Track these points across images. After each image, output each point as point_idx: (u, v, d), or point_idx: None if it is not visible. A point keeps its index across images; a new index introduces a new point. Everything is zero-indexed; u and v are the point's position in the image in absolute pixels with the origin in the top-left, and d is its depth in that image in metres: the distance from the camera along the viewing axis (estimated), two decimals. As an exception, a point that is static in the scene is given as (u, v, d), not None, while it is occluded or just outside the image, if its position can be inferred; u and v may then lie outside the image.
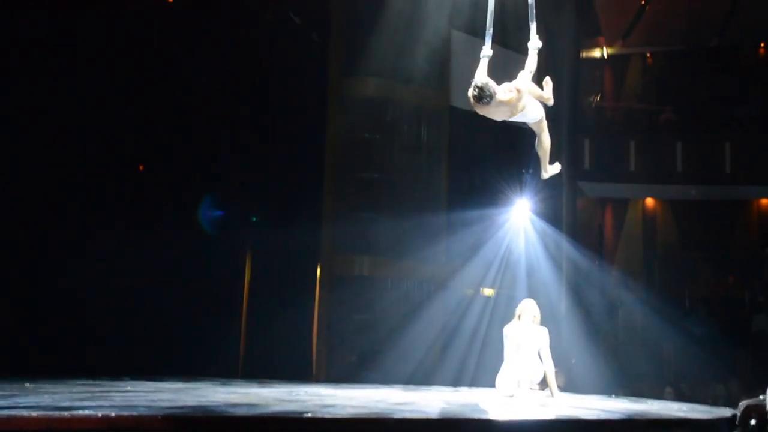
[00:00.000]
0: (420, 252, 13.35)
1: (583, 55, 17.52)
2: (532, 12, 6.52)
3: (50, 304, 10.92)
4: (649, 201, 18.80)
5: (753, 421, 4.73)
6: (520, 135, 15.18)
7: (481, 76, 6.10)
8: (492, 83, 6.02)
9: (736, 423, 2.45)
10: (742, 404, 4.63)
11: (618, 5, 17.33)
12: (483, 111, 6.27)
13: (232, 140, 13.35)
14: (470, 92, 6.08)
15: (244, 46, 13.35)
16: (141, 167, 13.08)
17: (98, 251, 11.25)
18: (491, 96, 6.01)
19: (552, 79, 6.90)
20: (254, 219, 13.66)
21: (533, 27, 6.51)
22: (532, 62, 6.44)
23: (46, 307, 10.93)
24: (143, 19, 12.40)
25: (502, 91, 6.13)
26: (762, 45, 19.16)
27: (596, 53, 18.88)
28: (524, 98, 6.30)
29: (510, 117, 6.43)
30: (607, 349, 14.49)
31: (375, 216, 13.38)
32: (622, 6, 17.35)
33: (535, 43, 6.49)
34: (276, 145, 13.26)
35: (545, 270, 14.52)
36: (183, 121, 12.75)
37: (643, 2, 17.17)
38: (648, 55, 19.30)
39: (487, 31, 6.48)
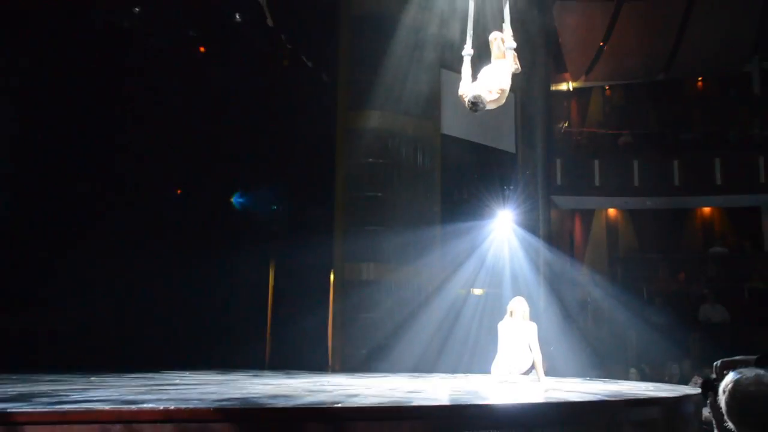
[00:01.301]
0: (418, 259, 13.28)
1: (553, 88, 17.57)
2: (507, 18, 6.40)
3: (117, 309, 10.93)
4: (612, 211, 18.80)
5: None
6: (501, 157, 15.30)
7: (474, 89, 6.05)
8: (483, 94, 6.00)
9: (713, 379, 2.40)
10: (717, 363, 4.57)
11: (581, 46, 17.43)
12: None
13: (255, 167, 13.36)
14: (466, 103, 6.09)
15: (264, 87, 13.34)
16: (179, 191, 13.10)
17: (145, 264, 11.24)
18: (483, 105, 6.02)
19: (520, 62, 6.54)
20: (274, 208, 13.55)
21: (509, 30, 6.36)
22: (509, 61, 6.30)
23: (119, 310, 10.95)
24: (179, 63, 12.42)
25: (489, 93, 6.08)
26: (700, 79, 19.26)
27: (564, 87, 18.92)
28: (507, 93, 6.24)
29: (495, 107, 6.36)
30: (580, 337, 14.45)
31: (379, 229, 13.22)
32: (584, 47, 17.45)
33: (510, 44, 6.33)
34: (293, 171, 13.25)
35: (526, 271, 14.50)
36: (211, 154, 12.75)
37: (601, 44, 17.25)
38: (607, 87, 19.37)
39: (468, 33, 6.46)
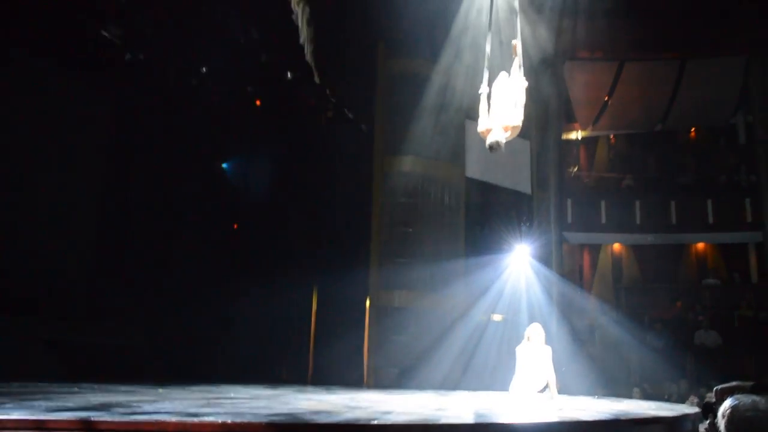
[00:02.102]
0: (445, 288, 13.23)
1: (564, 137, 17.51)
2: (520, 59, 6.27)
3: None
4: (617, 246, 18.46)
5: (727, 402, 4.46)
6: (519, 198, 15.21)
7: (494, 134, 5.95)
8: (500, 138, 5.92)
9: (713, 403, 2.31)
10: (717, 388, 4.35)
11: (588, 100, 17.36)
12: None
13: (301, 207, 13.43)
14: (486, 145, 6.05)
15: (311, 135, 13.46)
16: (235, 226, 13.18)
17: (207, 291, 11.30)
18: (501, 148, 5.98)
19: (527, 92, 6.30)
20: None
21: (521, 70, 6.24)
22: (520, 97, 6.10)
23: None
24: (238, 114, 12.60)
25: (506, 135, 5.99)
26: (693, 130, 19.06)
27: (574, 136, 18.83)
28: (520, 127, 6.09)
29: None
30: (589, 359, 14.09)
31: (410, 261, 13.23)
32: (592, 101, 17.36)
33: (522, 83, 6.17)
34: (335, 209, 13.29)
35: (541, 300, 14.28)
36: (265, 192, 12.85)
37: (606, 98, 17.17)
38: (611, 136, 19.21)
39: (484, 74, 6.32)
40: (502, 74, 6.34)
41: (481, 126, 6.12)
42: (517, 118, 6.03)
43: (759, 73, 15.76)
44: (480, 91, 6.23)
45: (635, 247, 18.21)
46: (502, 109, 6.07)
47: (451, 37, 12.76)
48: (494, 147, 5.95)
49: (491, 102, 6.13)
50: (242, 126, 12.54)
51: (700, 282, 17.44)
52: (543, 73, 14.31)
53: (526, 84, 6.17)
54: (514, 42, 6.45)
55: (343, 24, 11.91)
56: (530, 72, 6.55)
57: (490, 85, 6.24)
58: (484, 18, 11.71)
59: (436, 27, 12.86)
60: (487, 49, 6.51)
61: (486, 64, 6.33)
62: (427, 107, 13.33)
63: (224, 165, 12.23)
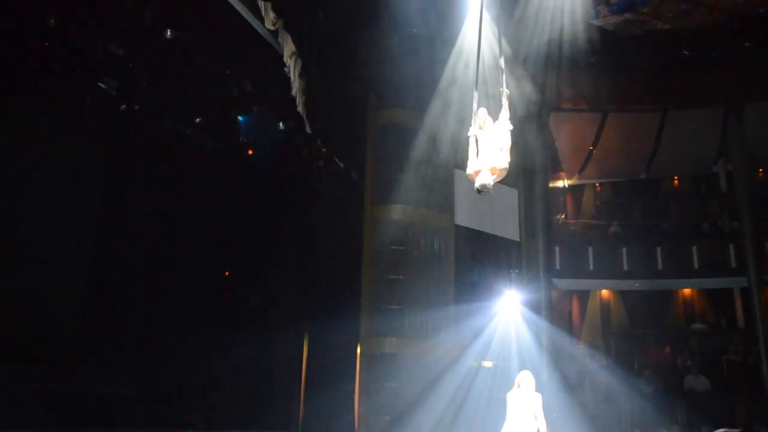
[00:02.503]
0: (435, 335, 13.18)
1: (551, 185, 17.69)
2: (506, 102, 6.38)
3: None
4: (605, 292, 18.50)
5: None
6: (508, 245, 15.30)
7: (482, 178, 6.04)
8: (489, 182, 6.03)
9: None
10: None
11: (574, 150, 17.65)
12: None
13: (292, 254, 13.45)
14: (475, 188, 6.13)
15: (302, 184, 13.59)
16: (227, 273, 13.18)
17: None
18: (490, 192, 6.09)
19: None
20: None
21: (506, 114, 6.31)
22: (506, 141, 6.19)
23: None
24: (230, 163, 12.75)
25: (494, 177, 6.10)
26: (675, 178, 19.37)
27: (560, 184, 19.05)
28: (507, 169, 6.20)
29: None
30: (580, 406, 13.97)
31: (401, 308, 13.18)
32: (577, 150, 17.65)
33: (506, 126, 6.25)
34: (325, 257, 13.30)
35: (530, 346, 14.21)
36: (255, 239, 12.91)
37: (591, 148, 17.47)
38: (597, 185, 19.45)
39: (473, 116, 6.44)
40: (482, 110, 6.48)
41: (470, 168, 6.23)
42: (503, 160, 6.14)
43: (736, 123, 16.13)
44: (469, 134, 6.35)
45: (623, 293, 18.27)
46: (489, 152, 6.18)
47: (440, 89, 13.00)
48: (482, 190, 6.06)
49: (479, 145, 6.26)
50: (235, 174, 12.65)
51: (688, 327, 17.46)
52: (529, 125, 14.61)
53: (511, 127, 6.26)
54: (503, 89, 6.61)
55: (334, 76, 12.17)
56: (517, 124, 6.68)
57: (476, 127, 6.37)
58: (471, 71, 12.20)
59: (425, 79, 13.09)
60: (475, 95, 6.68)
61: (475, 107, 6.50)
62: (416, 157, 13.51)
63: (216, 209, 12.26)
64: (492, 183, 6.07)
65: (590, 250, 16.98)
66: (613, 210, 18.78)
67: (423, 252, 13.67)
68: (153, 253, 11.49)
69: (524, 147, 14.07)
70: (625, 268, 16.97)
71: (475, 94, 6.71)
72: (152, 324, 11.40)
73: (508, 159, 6.19)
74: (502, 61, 6.89)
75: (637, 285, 17.31)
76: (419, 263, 13.58)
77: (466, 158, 6.52)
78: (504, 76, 6.81)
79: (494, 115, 6.49)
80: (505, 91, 6.56)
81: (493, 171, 6.07)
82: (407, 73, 12.85)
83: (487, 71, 9.43)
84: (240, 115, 12.29)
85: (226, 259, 13.00)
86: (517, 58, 12.88)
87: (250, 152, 13.41)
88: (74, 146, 11.19)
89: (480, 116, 6.49)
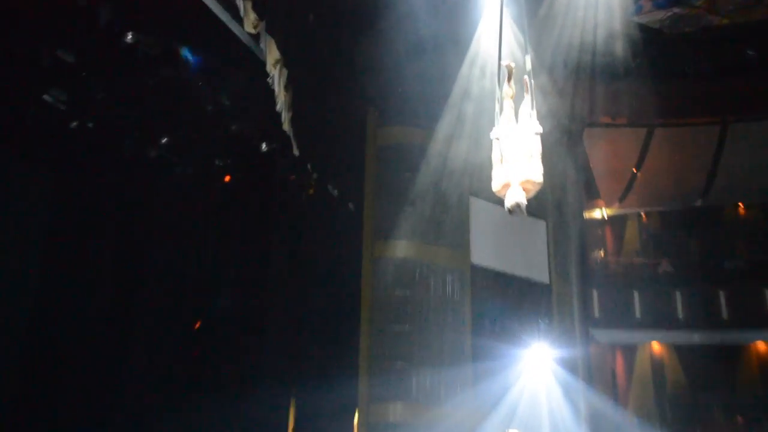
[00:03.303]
0: (449, 399, 13.20)
1: (586, 216, 17.82)
2: (533, 100, 6.42)
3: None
4: (656, 346, 18.54)
5: None
6: (535, 288, 15.43)
7: (514, 196, 6.02)
8: (522, 200, 6.00)
9: None
10: None
11: (613, 172, 17.86)
12: None
13: (276, 301, 13.69)
14: (506, 208, 6.09)
15: (289, 216, 13.91)
16: (198, 324, 13.42)
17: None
18: (523, 210, 6.05)
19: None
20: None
21: (534, 114, 6.36)
22: (537, 147, 6.23)
23: None
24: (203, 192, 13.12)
25: (527, 193, 6.11)
26: (741, 205, 19.46)
27: (597, 214, 19.19)
28: (541, 183, 6.19)
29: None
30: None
31: (407, 366, 13.22)
32: (617, 173, 17.83)
33: (536, 128, 6.26)
34: (316, 305, 13.49)
35: (565, 413, 14.28)
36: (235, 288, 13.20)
37: (634, 170, 17.68)
38: (643, 214, 19.56)
39: (496, 116, 6.51)
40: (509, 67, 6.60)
41: (496, 180, 6.25)
42: (537, 172, 6.15)
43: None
44: (492, 135, 6.41)
45: (679, 347, 18.23)
46: (517, 161, 6.20)
47: (452, 102, 13.45)
48: (514, 210, 6.03)
49: (503, 151, 6.30)
50: (209, 206, 12.98)
51: (763, 392, 17.43)
52: (558, 143, 14.78)
53: (540, 130, 6.27)
54: (525, 78, 6.63)
55: (327, 88, 12.52)
56: (543, 141, 6.94)
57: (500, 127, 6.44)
58: (489, 78, 12.65)
59: (434, 90, 13.49)
60: (499, 92, 6.75)
61: (498, 105, 6.62)
62: (425, 183, 13.85)
63: (186, 247, 12.58)
64: (525, 202, 6.06)
65: (636, 294, 17.20)
66: (662, 245, 19.07)
67: (433, 297, 13.86)
68: (109, 300, 11.73)
69: (553, 170, 14.37)
70: (680, 316, 17.18)
71: (500, 90, 6.73)
72: (105, 387, 11.53)
73: (541, 169, 6.18)
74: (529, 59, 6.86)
75: (696, 338, 17.34)
76: (429, 311, 13.76)
77: (484, 183, 6.63)
78: (529, 57, 6.87)
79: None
80: (530, 82, 6.55)
81: (525, 186, 6.08)
82: (413, 84, 13.18)
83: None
84: (215, 134, 12.56)
85: (197, 308, 13.20)
86: (542, 64, 13.08)
87: (228, 179, 13.79)
88: (13, 171, 11.36)
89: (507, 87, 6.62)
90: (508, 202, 6.07)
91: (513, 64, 6.85)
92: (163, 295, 12.39)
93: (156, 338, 12.26)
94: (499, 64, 7.12)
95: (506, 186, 6.16)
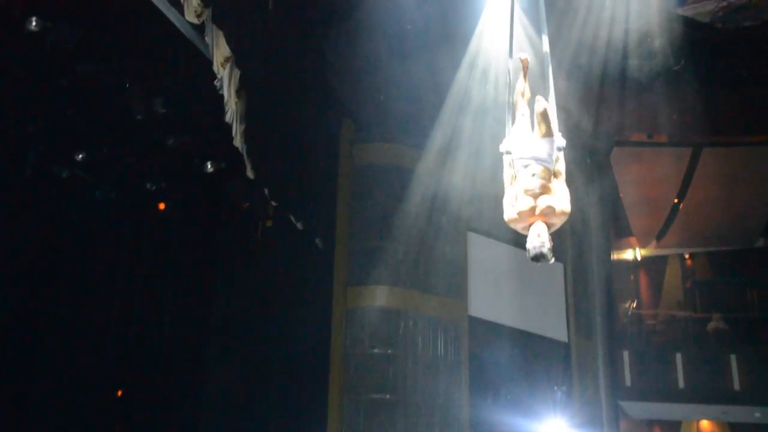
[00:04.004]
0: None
1: (615, 257, 17.78)
2: (554, 111, 6.16)
3: None
4: (705, 425, 18.44)
5: None
6: (549, 348, 15.30)
7: (538, 237, 5.58)
8: (546, 241, 5.58)
9: None
10: None
11: (649, 203, 17.77)
12: None
13: (216, 365, 13.51)
14: (528, 253, 5.64)
15: (242, 256, 13.78)
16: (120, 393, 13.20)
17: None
18: (548, 258, 5.63)
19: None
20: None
21: (555, 122, 6.08)
22: (561, 165, 5.97)
23: None
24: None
25: (553, 226, 5.76)
26: (817, 245, 19.43)
27: (629, 255, 19.15)
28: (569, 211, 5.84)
29: None
30: None
31: (388, 445, 13.07)
32: (654, 204, 17.79)
33: (559, 142, 5.92)
34: (273, 368, 13.28)
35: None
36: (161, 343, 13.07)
37: (676, 200, 17.61)
38: (687, 256, 19.58)
39: (507, 123, 6.40)
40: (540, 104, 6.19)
41: (509, 207, 5.92)
42: (563, 199, 5.83)
43: None
44: (502, 148, 6.21)
45: (735, 426, 18.13)
46: (535, 183, 5.84)
47: (445, 115, 13.38)
48: (540, 258, 5.64)
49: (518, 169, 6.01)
50: (136, 241, 12.83)
51: None
52: (580, 166, 14.75)
53: (563, 144, 6.00)
54: (522, 56, 6.58)
55: (291, 94, 12.39)
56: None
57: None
58: (492, 85, 12.57)
59: (424, 99, 13.45)
60: (510, 94, 6.65)
61: (509, 111, 6.51)
62: (412, 214, 13.75)
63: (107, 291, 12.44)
64: (550, 244, 5.62)
65: (679, 357, 16.99)
66: (713, 296, 18.89)
67: (422, 357, 13.69)
68: (5, 358, 11.54)
69: (573, 199, 14.24)
70: (737, 387, 16.98)
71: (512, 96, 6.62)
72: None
73: (568, 195, 5.88)
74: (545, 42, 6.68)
75: (757, 415, 17.20)
76: (416, 375, 13.57)
77: (485, 214, 6.44)
78: (546, 38, 6.69)
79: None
80: (548, 73, 6.43)
81: (548, 218, 5.73)
82: (398, 91, 13.15)
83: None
84: (146, 150, 12.44)
85: (119, 372, 13.02)
86: (561, 68, 13.04)
87: (162, 206, 13.60)
88: None
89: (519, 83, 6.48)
90: (533, 244, 5.62)
91: (528, 57, 6.69)
92: (73, 352, 12.15)
93: (64, 407, 11.99)
94: (511, 54, 7.02)
95: (524, 216, 5.79)
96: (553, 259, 5.68)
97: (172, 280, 13.14)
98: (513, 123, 6.43)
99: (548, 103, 6.18)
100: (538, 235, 5.60)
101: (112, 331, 12.63)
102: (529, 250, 5.64)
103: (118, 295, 12.75)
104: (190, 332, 13.16)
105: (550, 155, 5.95)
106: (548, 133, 5.99)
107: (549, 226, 5.75)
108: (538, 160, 5.97)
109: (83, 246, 12.40)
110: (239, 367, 13.37)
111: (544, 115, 6.04)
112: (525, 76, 6.66)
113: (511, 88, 6.74)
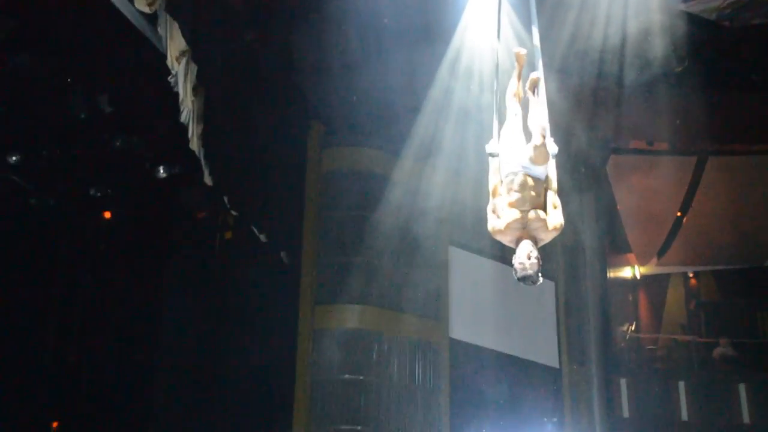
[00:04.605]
0: None
1: (611, 276, 17.82)
2: (545, 114, 6.26)
3: None
4: (712, 461, 18.45)
5: None
6: (538, 374, 15.29)
7: (528, 263, 5.66)
8: (536, 261, 5.67)
9: None
10: None
11: (649, 217, 17.83)
12: None
13: (168, 394, 13.47)
14: (516, 273, 5.72)
15: (198, 272, 13.73)
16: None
17: None
18: (537, 279, 5.75)
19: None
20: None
21: (547, 126, 6.15)
22: (553, 172, 6.12)
23: None
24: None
25: (542, 241, 5.88)
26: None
27: (627, 273, 19.20)
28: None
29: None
30: None
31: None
32: (655, 218, 17.86)
33: (551, 148, 6.03)
34: (229, 399, 13.25)
35: None
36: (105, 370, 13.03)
37: (679, 213, 17.66)
38: (691, 275, 19.65)
39: (494, 123, 6.47)
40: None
41: (493, 219, 5.98)
42: (556, 214, 5.94)
43: None
44: (488, 149, 6.32)
45: (745, 464, 18.14)
46: (524, 191, 5.96)
47: (424, 116, 13.35)
48: (527, 279, 5.72)
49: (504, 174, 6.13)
50: (78, 252, 12.74)
51: None
52: (573, 176, 14.75)
53: (555, 151, 6.15)
54: (518, 50, 6.65)
55: (254, 93, 12.37)
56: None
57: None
58: (476, 84, 12.52)
59: (400, 99, 13.36)
60: (498, 90, 6.79)
61: (495, 113, 6.57)
62: (388, 226, 13.68)
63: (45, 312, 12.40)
64: (539, 262, 5.71)
65: (682, 386, 16.99)
66: (720, 318, 18.92)
67: (396, 384, 13.63)
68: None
69: (565, 212, 14.21)
70: (746, 419, 16.91)
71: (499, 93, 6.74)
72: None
73: (559, 206, 6.02)
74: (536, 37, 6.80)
75: (770, 450, 17.25)
76: (390, 404, 13.50)
77: (468, 227, 6.45)
78: (536, 29, 6.81)
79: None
80: (539, 76, 6.43)
81: (537, 232, 5.85)
82: (372, 90, 13.06)
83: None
84: (90, 152, 12.37)
85: (55, 401, 12.91)
86: (552, 67, 13.03)
87: (108, 215, 13.46)
88: None
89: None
90: (522, 264, 5.68)
91: (524, 51, 6.69)
92: (8, 381, 12.06)
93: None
94: (499, 37, 7.31)
95: (512, 228, 5.85)
96: (541, 280, 5.75)
97: (117, 298, 13.04)
98: (502, 123, 6.49)
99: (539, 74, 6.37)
100: (528, 256, 5.66)
101: (47, 356, 12.52)
102: (516, 269, 5.71)
103: (55, 316, 12.65)
104: (135, 358, 13.07)
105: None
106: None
107: (538, 241, 5.85)
108: (528, 169, 6.03)
109: (15, 259, 12.29)
110: (192, 396, 13.34)
111: (535, 84, 6.27)
112: (519, 74, 6.70)
113: (499, 81, 6.85)
